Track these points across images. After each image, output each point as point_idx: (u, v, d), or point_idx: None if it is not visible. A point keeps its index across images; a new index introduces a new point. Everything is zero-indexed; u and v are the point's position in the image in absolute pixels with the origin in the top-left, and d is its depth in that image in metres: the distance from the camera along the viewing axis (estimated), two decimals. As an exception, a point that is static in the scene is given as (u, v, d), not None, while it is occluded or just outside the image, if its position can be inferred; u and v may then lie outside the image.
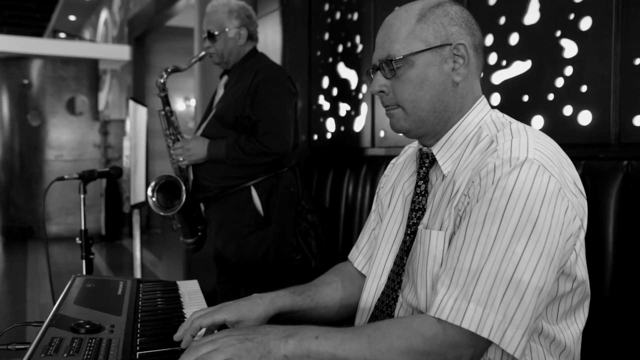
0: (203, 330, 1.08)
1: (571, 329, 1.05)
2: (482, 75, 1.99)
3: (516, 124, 1.04)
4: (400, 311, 1.09)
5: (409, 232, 1.12)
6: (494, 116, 1.09)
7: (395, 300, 1.11)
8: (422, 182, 1.12)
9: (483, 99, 1.11)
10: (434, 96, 1.06)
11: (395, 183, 1.25)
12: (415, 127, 1.09)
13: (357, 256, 1.32)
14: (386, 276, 1.16)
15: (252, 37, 2.35)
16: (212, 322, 1.07)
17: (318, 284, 1.27)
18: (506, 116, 1.10)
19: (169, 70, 2.33)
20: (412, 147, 1.29)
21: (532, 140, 0.98)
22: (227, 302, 1.13)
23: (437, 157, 1.09)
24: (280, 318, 1.18)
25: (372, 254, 1.24)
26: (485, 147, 1.01)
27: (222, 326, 1.09)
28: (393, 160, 1.32)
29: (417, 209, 1.12)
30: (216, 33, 2.27)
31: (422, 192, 1.12)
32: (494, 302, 0.88)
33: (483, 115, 1.08)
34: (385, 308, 1.12)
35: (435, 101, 1.06)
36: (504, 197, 0.91)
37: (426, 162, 1.12)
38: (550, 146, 1.00)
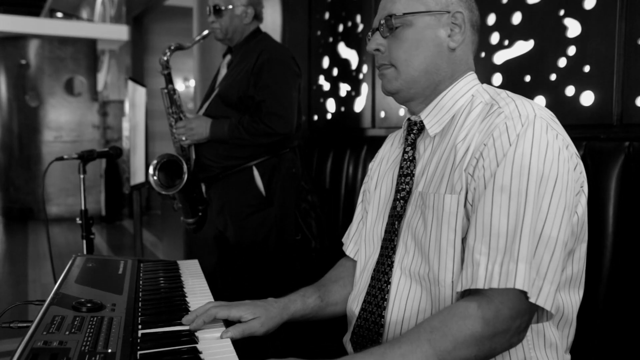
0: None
1: (572, 298, 1.06)
2: (482, 55, 1.98)
3: (510, 92, 1.08)
4: (400, 280, 1.09)
5: (398, 197, 1.13)
6: (485, 87, 1.12)
7: (391, 266, 1.11)
8: (409, 148, 1.15)
9: (473, 73, 1.15)
10: (428, 57, 1.09)
11: (382, 163, 1.27)
12: (405, 87, 1.11)
13: (349, 244, 1.34)
14: (379, 244, 1.17)
15: (258, 17, 2.33)
16: (228, 316, 1.10)
17: (326, 283, 1.29)
18: (496, 88, 1.13)
19: (173, 47, 2.30)
20: (395, 132, 1.32)
21: (532, 102, 1.03)
22: (245, 300, 1.16)
23: (425, 122, 1.12)
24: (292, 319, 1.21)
25: (362, 235, 1.25)
26: (485, 111, 1.04)
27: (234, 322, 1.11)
28: (379, 150, 1.34)
29: (405, 174, 1.13)
30: (223, 8, 2.24)
31: (410, 158, 1.14)
32: (533, 260, 0.89)
33: (473, 84, 1.12)
34: (381, 276, 1.12)
35: (428, 62, 1.09)
36: (526, 155, 0.93)
37: (414, 130, 1.15)
38: (546, 110, 1.04)
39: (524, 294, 0.88)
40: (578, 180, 0.99)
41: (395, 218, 1.12)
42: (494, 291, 0.89)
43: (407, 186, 1.12)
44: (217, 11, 2.25)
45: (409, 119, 1.17)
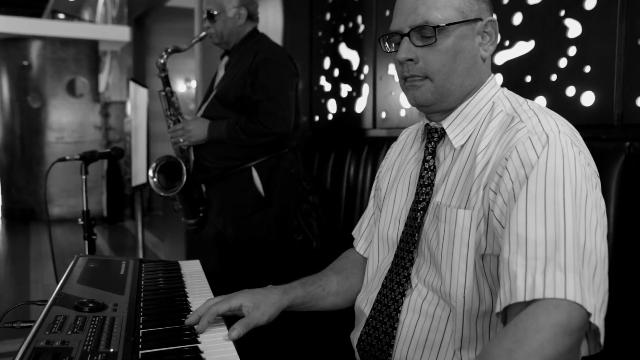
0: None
1: None
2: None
3: (531, 102, 1.05)
4: (414, 291, 1.07)
5: (418, 207, 1.10)
6: (505, 92, 1.09)
7: (408, 278, 1.09)
8: (430, 156, 1.11)
9: (493, 76, 1.11)
10: (465, 70, 1.04)
11: (396, 163, 1.25)
12: (439, 100, 1.06)
13: (359, 240, 1.33)
14: (393, 253, 1.16)
15: (252, 17, 2.33)
16: (229, 308, 1.08)
17: (328, 273, 1.28)
18: (516, 95, 1.10)
19: (169, 50, 2.32)
20: (410, 128, 1.29)
21: (554, 116, 0.99)
22: (243, 290, 1.14)
23: (448, 131, 1.08)
24: (294, 309, 1.19)
25: (375, 234, 1.25)
26: (506, 123, 1.01)
27: (234, 317, 1.10)
28: (392, 144, 1.32)
29: (425, 184, 1.10)
30: (215, 13, 2.25)
31: (431, 167, 1.10)
32: (581, 272, 0.81)
33: (495, 91, 1.08)
34: (395, 286, 1.11)
35: (465, 75, 1.05)
36: (558, 166, 0.89)
37: (435, 137, 1.11)
38: (569, 125, 1.00)
39: (581, 308, 0.78)
40: (602, 199, 0.95)
41: (415, 229, 1.10)
42: (556, 299, 0.78)
43: (427, 197, 1.09)
44: (211, 16, 2.26)
45: (427, 125, 1.13)
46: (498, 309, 0.84)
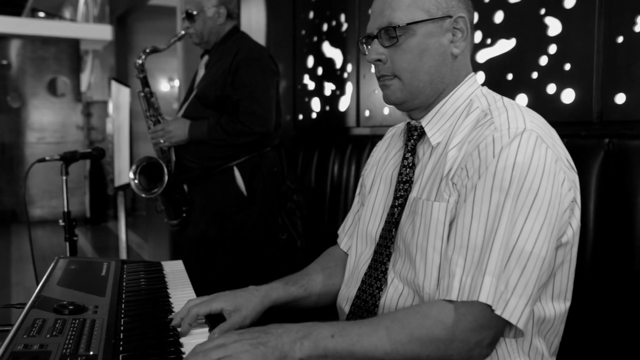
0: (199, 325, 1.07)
1: (560, 307, 1.05)
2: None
3: (507, 100, 1.07)
4: (390, 287, 1.08)
5: (396, 203, 1.12)
6: (484, 91, 1.11)
7: (385, 273, 1.10)
8: (409, 154, 1.13)
9: (474, 75, 1.13)
10: (432, 67, 1.07)
11: (380, 160, 1.26)
12: (410, 98, 1.09)
13: (343, 238, 1.34)
14: (372, 249, 1.16)
15: (232, 15, 2.32)
16: (210, 311, 1.07)
17: (310, 272, 1.27)
18: (494, 93, 1.11)
19: (148, 50, 2.30)
20: (396, 127, 1.30)
21: (525, 113, 1.01)
22: (224, 291, 1.14)
23: (426, 129, 1.10)
24: (276, 308, 1.18)
25: (356, 230, 1.25)
26: (478, 119, 1.02)
27: (218, 316, 1.09)
28: (378, 142, 1.33)
29: (404, 181, 1.12)
30: (194, 13, 2.23)
31: (410, 164, 1.12)
32: (502, 274, 0.88)
33: (473, 89, 1.10)
34: (373, 282, 1.12)
35: (433, 72, 1.07)
36: (507, 169, 0.92)
37: (414, 135, 1.13)
38: (541, 122, 1.02)
39: (490, 307, 0.88)
40: (567, 195, 0.97)
41: (393, 225, 1.11)
42: (462, 301, 0.90)
43: (405, 193, 1.11)
44: (190, 16, 2.25)
45: (408, 123, 1.15)
46: (437, 297, 0.96)
